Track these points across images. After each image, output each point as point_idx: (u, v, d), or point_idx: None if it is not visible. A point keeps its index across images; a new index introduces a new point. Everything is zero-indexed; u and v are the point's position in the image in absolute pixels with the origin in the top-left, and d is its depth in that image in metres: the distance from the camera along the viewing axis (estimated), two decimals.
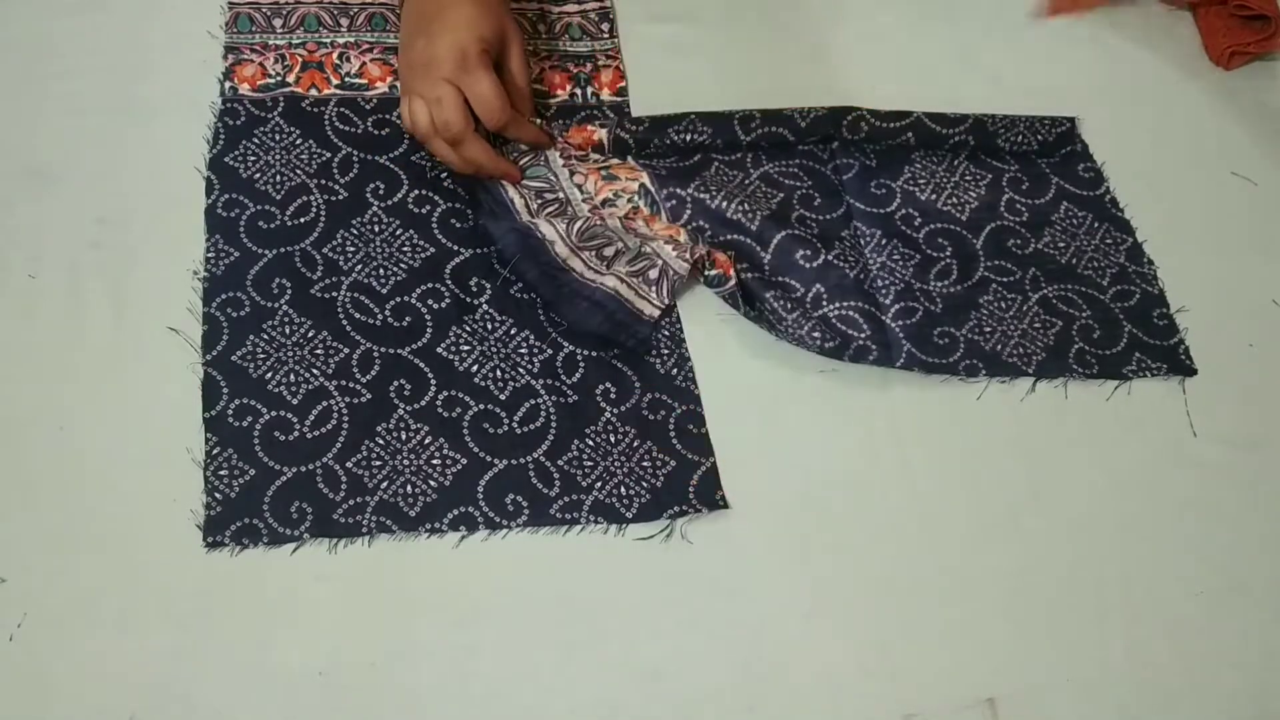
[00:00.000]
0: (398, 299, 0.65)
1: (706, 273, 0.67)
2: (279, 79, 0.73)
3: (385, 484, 0.59)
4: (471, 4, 0.65)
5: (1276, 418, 0.67)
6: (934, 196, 0.73)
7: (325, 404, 0.61)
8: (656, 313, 0.65)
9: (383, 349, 0.63)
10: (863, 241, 0.70)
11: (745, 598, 0.59)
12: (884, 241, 0.70)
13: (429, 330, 0.64)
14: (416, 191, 0.69)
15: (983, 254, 0.71)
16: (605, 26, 0.79)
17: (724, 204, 0.69)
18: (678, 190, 0.70)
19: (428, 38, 0.65)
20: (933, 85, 0.79)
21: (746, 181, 0.71)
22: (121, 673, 0.54)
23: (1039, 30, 0.84)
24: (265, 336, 0.63)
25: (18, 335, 0.63)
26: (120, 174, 0.69)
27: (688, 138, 0.72)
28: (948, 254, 0.70)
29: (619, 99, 0.76)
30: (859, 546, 0.61)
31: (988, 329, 0.67)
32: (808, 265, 0.68)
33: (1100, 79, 0.82)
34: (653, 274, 0.65)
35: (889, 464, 0.63)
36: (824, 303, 0.67)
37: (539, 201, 0.69)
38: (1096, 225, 0.73)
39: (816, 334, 0.65)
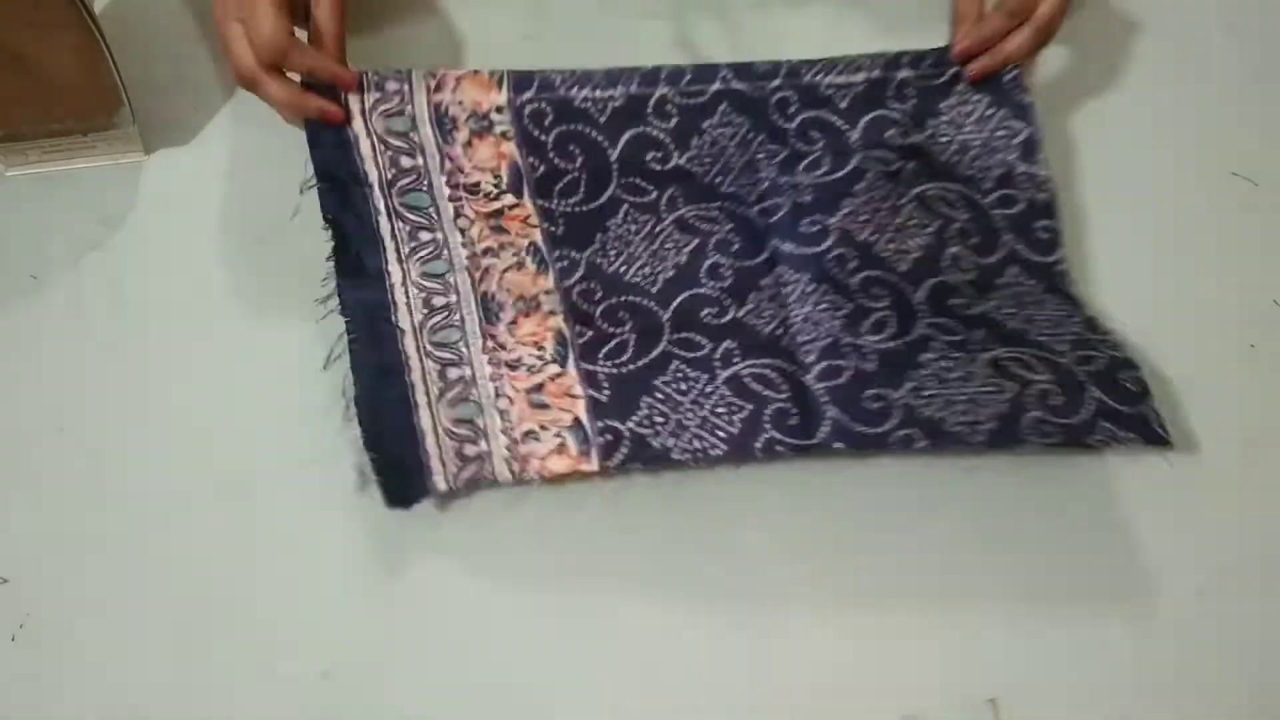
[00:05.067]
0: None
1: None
2: None
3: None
4: None
5: (1276, 418, 0.67)
6: (874, 237, 0.64)
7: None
8: (442, 486, 0.58)
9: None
10: (785, 290, 0.63)
11: (745, 598, 0.59)
12: (810, 288, 0.63)
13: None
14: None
15: (924, 310, 0.63)
16: None
17: (623, 269, 0.63)
18: (571, 253, 0.63)
19: None
20: None
21: (657, 229, 0.64)
22: (123, 673, 0.54)
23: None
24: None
25: (20, 336, 0.63)
26: (122, 174, 0.70)
27: (597, 93, 0.64)
28: (884, 305, 0.63)
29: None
30: (860, 547, 0.61)
31: (928, 392, 0.60)
32: (714, 323, 0.62)
33: (1101, 78, 0.82)
34: (470, 450, 0.59)
35: (889, 463, 0.63)
36: (735, 359, 0.61)
37: (413, 243, 0.62)
38: (1047, 296, 0.65)
39: (721, 410, 0.59)
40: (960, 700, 0.57)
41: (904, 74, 0.68)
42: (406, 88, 0.64)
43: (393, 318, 0.61)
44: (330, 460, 0.61)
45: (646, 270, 0.63)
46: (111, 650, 0.55)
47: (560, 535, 0.60)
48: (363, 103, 0.63)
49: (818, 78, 0.67)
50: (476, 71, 0.64)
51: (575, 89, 0.65)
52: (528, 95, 0.65)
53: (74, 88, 0.64)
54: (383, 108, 0.64)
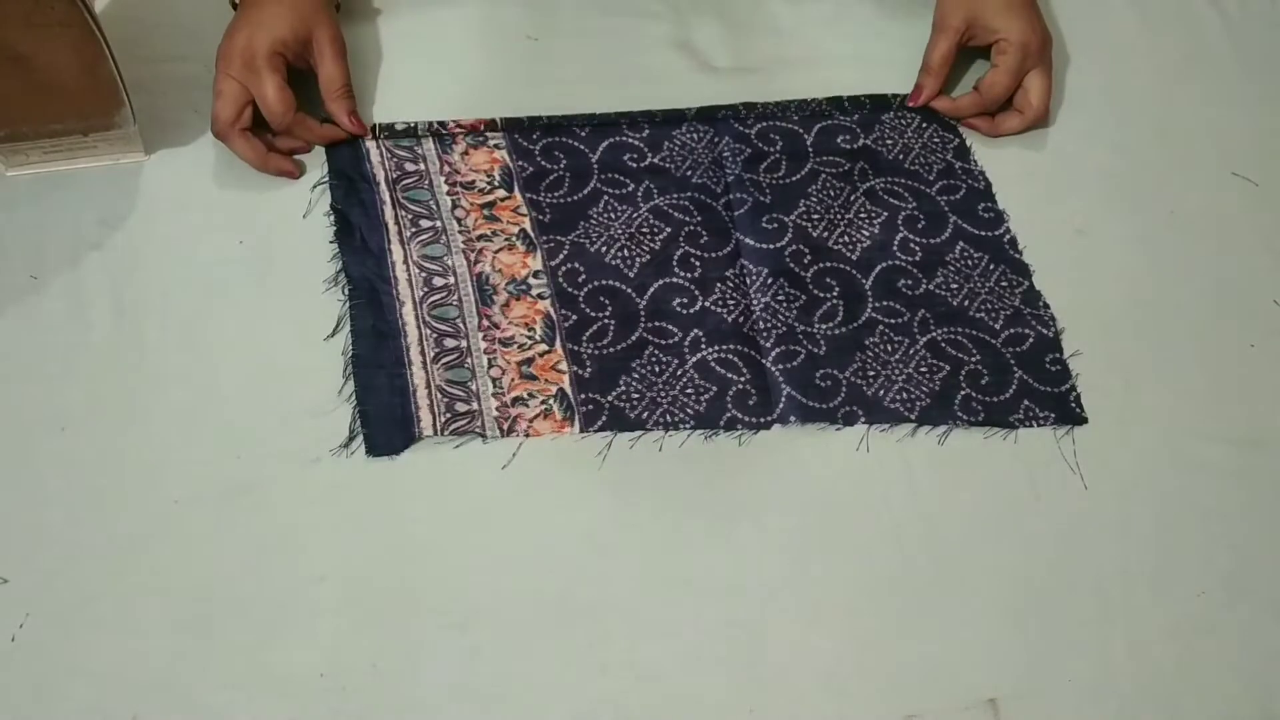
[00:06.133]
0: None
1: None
2: None
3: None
4: (278, 2, 0.68)
5: (1276, 418, 0.67)
6: (826, 234, 0.71)
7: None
8: (429, 432, 0.62)
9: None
10: (748, 281, 0.69)
11: (745, 598, 0.59)
12: (770, 281, 0.68)
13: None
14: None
15: (871, 294, 0.69)
16: None
17: (603, 249, 0.69)
18: (557, 236, 0.70)
19: (230, 34, 0.68)
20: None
21: (634, 215, 0.71)
22: (123, 673, 0.54)
23: None
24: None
25: (20, 336, 0.63)
26: (122, 175, 0.70)
27: (569, 140, 0.74)
28: (834, 295, 0.69)
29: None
30: (859, 546, 0.61)
31: (871, 373, 0.66)
32: (684, 312, 0.67)
33: (1101, 78, 0.82)
34: (461, 407, 0.63)
35: (889, 462, 0.63)
36: (702, 346, 0.66)
37: (413, 229, 0.69)
38: (992, 267, 0.71)
39: (690, 391, 0.64)
40: (960, 700, 0.57)
41: (845, 103, 0.78)
42: (413, 125, 0.74)
43: (393, 289, 0.67)
44: (331, 459, 0.61)
45: (625, 254, 0.69)
46: (111, 650, 0.55)
47: (559, 537, 0.60)
48: (375, 136, 0.73)
49: (769, 110, 0.77)
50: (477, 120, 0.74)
51: (558, 119, 0.75)
52: (518, 125, 0.74)
53: (74, 88, 0.64)
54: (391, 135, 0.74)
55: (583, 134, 0.74)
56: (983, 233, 0.72)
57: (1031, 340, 0.68)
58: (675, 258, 0.69)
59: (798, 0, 0.83)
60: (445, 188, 0.71)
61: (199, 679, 0.54)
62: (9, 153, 0.68)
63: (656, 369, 0.65)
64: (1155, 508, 0.63)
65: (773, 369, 0.66)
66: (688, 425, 0.63)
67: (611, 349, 0.66)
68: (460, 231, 0.69)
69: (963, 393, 0.66)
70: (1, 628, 0.55)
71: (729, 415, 0.64)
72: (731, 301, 0.68)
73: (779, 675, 0.57)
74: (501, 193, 0.71)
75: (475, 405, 0.63)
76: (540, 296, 0.67)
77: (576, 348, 0.66)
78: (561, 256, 0.69)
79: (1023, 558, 0.61)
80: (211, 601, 0.56)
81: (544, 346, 0.66)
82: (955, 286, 0.70)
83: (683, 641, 0.57)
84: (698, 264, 0.69)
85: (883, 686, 0.57)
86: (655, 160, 0.74)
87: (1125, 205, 0.75)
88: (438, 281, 0.67)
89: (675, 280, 0.69)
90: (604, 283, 0.68)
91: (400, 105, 0.75)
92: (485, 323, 0.66)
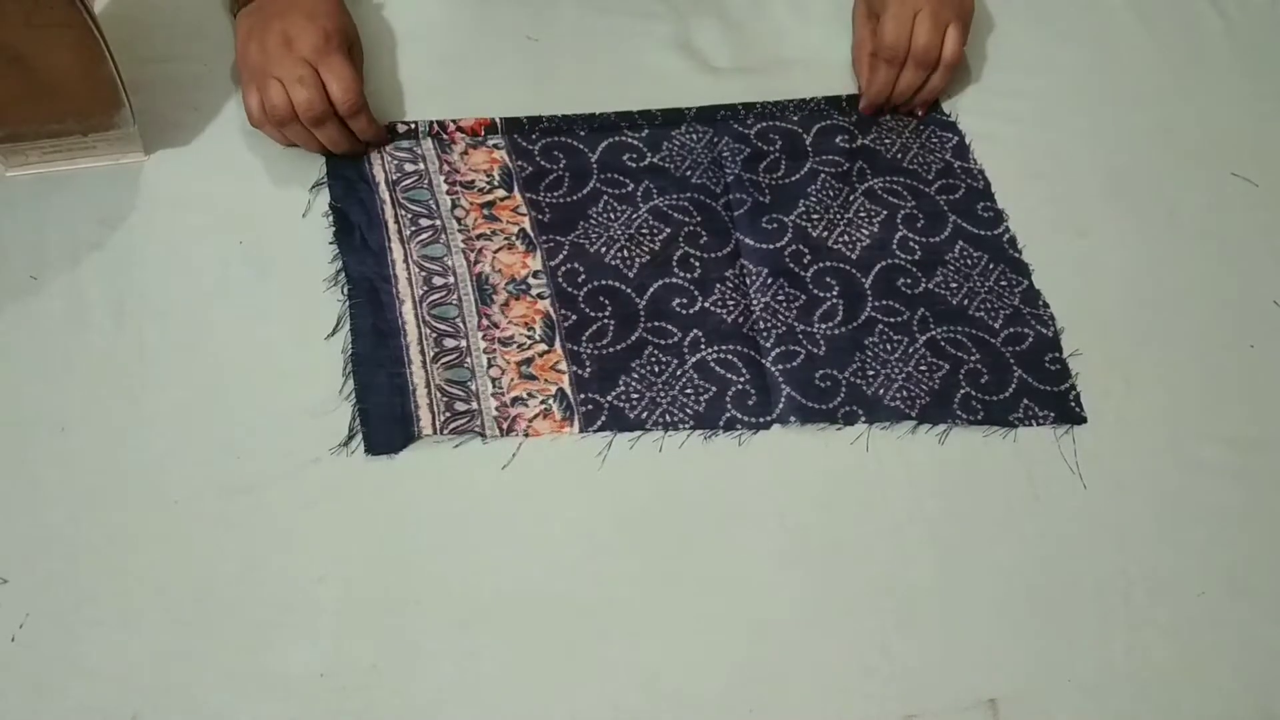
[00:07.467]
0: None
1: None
2: None
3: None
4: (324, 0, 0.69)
5: (1276, 418, 0.67)
6: (825, 234, 0.71)
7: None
8: (429, 431, 0.62)
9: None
10: (748, 281, 0.69)
11: (745, 598, 0.59)
12: (770, 280, 0.69)
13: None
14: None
15: (871, 294, 0.69)
16: None
17: (603, 249, 0.69)
18: (557, 236, 0.70)
19: (284, 22, 0.67)
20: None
21: (634, 216, 0.71)
22: (123, 673, 0.54)
23: (1027, 34, 0.84)
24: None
25: (20, 336, 0.63)
26: (121, 175, 0.70)
27: (569, 140, 0.74)
28: (834, 294, 0.69)
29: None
30: (859, 546, 0.61)
31: (870, 372, 0.66)
32: (684, 312, 0.67)
33: (1101, 78, 0.82)
34: (460, 406, 0.63)
35: (889, 462, 0.63)
36: (701, 346, 0.66)
37: (413, 228, 0.69)
38: (992, 266, 0.71)
39: (689, 391, 0.64)
40: (960, 700, 0.57)
41: (844, 103, 0.78)
42: (414, 125, 0.73)
43: (393, 288, 0.67)
44: (330, 459, 0.61)
45: (625, 254, 0.69)
46: (111, 650, 0.55)
47: (559, 537, 0.60)
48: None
49: (768, 110, 0.77)
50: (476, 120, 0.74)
51: (558, 119, 0.75)
52: (517, 125, 0.74)
53: (74, 88, 0.64)
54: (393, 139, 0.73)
55: (582, 134, 0.74)
56: (982, 232, 0.72)
57: (1031, 339, 0.68)
58: (675, 258, 0.69)
59: (798, 0, 0.83)
60: (445, 187, 0.71)
61: (199, 679, 0.54)
62: (9, 153, 0.68)
63: (656, 369, 0.65)
64: (1155, 508, 0.63)
65: (772, 369, 0.66)
66: (687, 425, 0.64)
67: (611, 349, 0.66)
68: (460, 231, 0.69)
69: (962, 391, 0.66)
70: (1, 628, 0.55)
71: (728, 415, 0.64)
72: (731, 302, 0.68)
73: (779, 675, 0.57)
74: (501, 192, 0.71)
75: (475, 405, 0.63)
76: (540, 296, 0.67)
77: (576, 348, 0.66)
78: (561, 256, 0.69)
79: (1023, 558, 0.61)
80: (211, 601, 0.56)
81: (543, 346, 0.66)
82: (955, 285, 0.70)
83: (683, 641, 0.57)
84: (697, 264, 0.69)
85: (883, 686, 0.57)
86: (655, 160, 0.74)
87: (1125, 205, 0.75)
88: (437, 281, 0.67)
89: (675, 280, 0.69)
90: (603, 283, 0.68)
91: (400, 105, 0.75)
92: (485, 322, 0.66)
